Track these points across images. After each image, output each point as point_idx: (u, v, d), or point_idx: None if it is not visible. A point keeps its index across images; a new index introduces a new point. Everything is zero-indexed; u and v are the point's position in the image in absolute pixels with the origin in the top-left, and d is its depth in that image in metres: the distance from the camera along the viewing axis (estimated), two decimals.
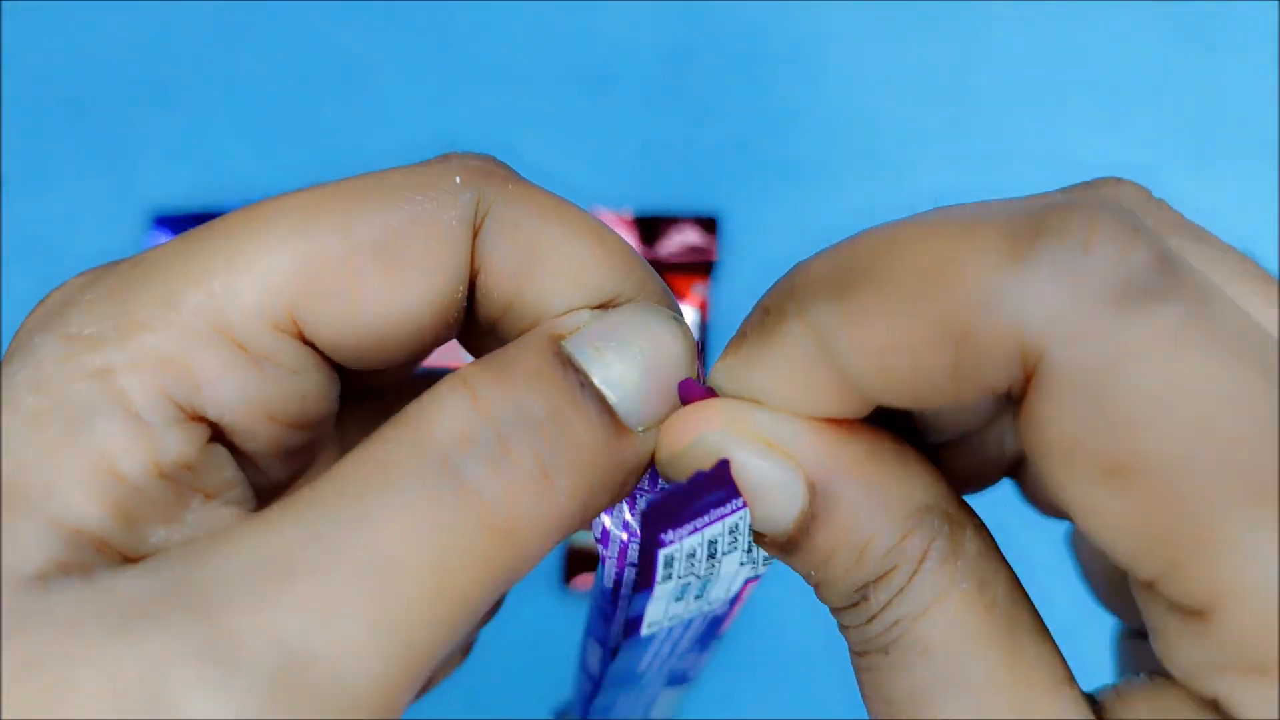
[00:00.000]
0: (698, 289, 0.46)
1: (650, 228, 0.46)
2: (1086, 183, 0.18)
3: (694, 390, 0.16)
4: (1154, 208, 0.18)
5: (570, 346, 0.15)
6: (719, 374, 0.16)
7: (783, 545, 0.16)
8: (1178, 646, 0.14)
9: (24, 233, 0.48)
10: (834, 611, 0.16)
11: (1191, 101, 0.49)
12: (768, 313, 0.16)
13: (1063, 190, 0.17)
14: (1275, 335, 0.14)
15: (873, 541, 0.15)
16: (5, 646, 0.12)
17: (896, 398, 0.15)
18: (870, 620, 0.15)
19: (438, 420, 0.14)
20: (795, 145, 0.48)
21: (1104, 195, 0.17)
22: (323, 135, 0.49)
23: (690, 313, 0.45)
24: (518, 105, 0.49)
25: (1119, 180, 0.18)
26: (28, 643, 0.13)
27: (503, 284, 0.16)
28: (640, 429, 0.15)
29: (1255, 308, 0.15)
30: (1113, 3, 0.50)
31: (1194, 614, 0.13)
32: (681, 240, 0.46)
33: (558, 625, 0.44)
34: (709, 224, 0.46)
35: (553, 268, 0.16)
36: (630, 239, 0.46)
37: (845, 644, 0.17)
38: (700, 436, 0.16)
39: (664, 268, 0.46)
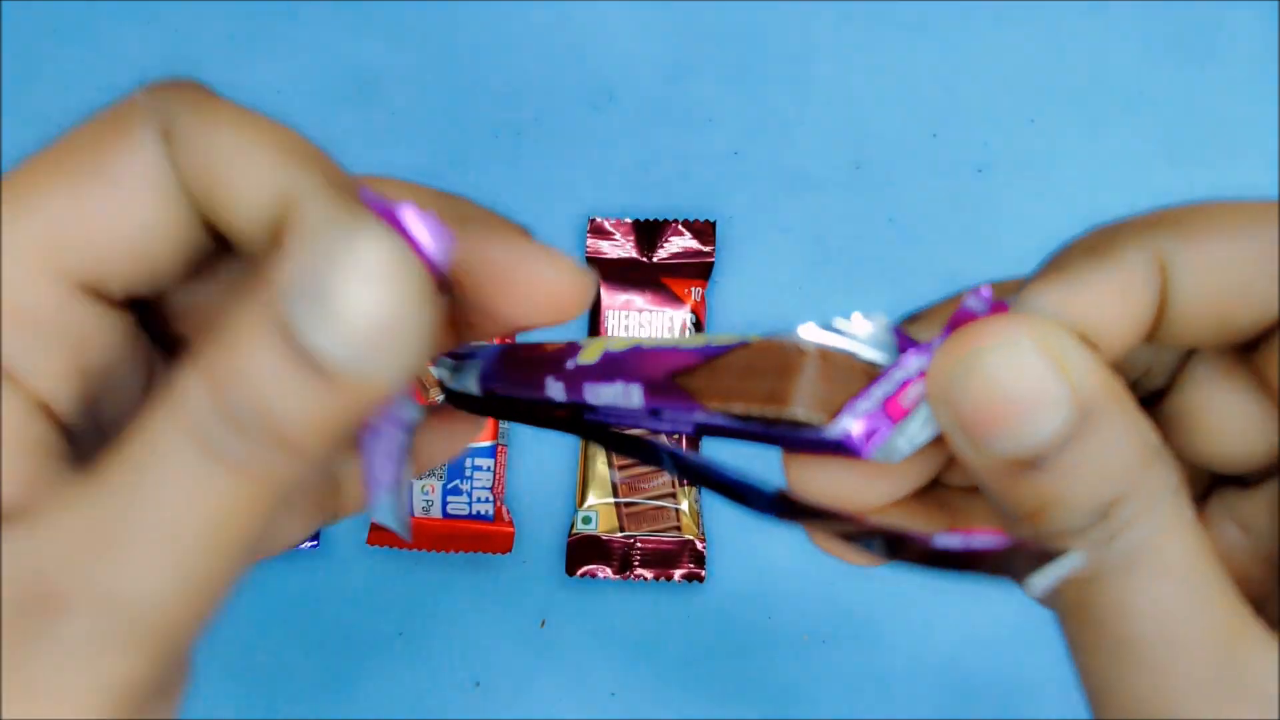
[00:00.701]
0: (695, 292, 0.47)
1: (649, 233, 0.47)
2: None
3: (989, 306, 0.17)
4: None
5: (287, 314, 0.15)
6: (1034, 296, 0.18)
7: (1029, 460, 0.17)
8: None
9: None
10: (1064, 537, 0.17)
11: (1178, 107, 0.49)
12: (1095, 249, 0.18)
13: None
14: None
15: (1123, 462, 0.17)
16: None
17: (1218, 321, 0.18)
18: (1113, 538, 0.16)
19: (187, 408, 0.15)
20: (790, 152, 0.49)
21: None
22: (332, 143, 0.49)
23: (688, 316, 0.46)
24: (523, 116, 0.49)
25: None
26: None
27: (201, 197, 0.17)
28: (359, 371, 0.16)
29: None
30: (1102, 9, 0.50)
31: None
32: (679, 245, 0.47)
33: (562, 613, 0.44)
34: (707, 229, 0.47)
35: (232, 177, 0.17)
36: (630, 244, 0.47)
37: None
38: (983, 349, 0.17)
39: (662, 271, 0.47)
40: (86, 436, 0.18)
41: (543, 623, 0.44)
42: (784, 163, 0.49)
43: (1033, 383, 0.17)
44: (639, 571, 0.44)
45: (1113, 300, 0.17)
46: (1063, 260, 0.18)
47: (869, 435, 0.17)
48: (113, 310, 0.17)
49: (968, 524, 0.21)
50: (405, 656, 0.44)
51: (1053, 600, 0.18)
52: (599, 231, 0.47)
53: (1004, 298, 0.18)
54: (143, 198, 0.16)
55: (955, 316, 0.17)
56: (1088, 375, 0.17)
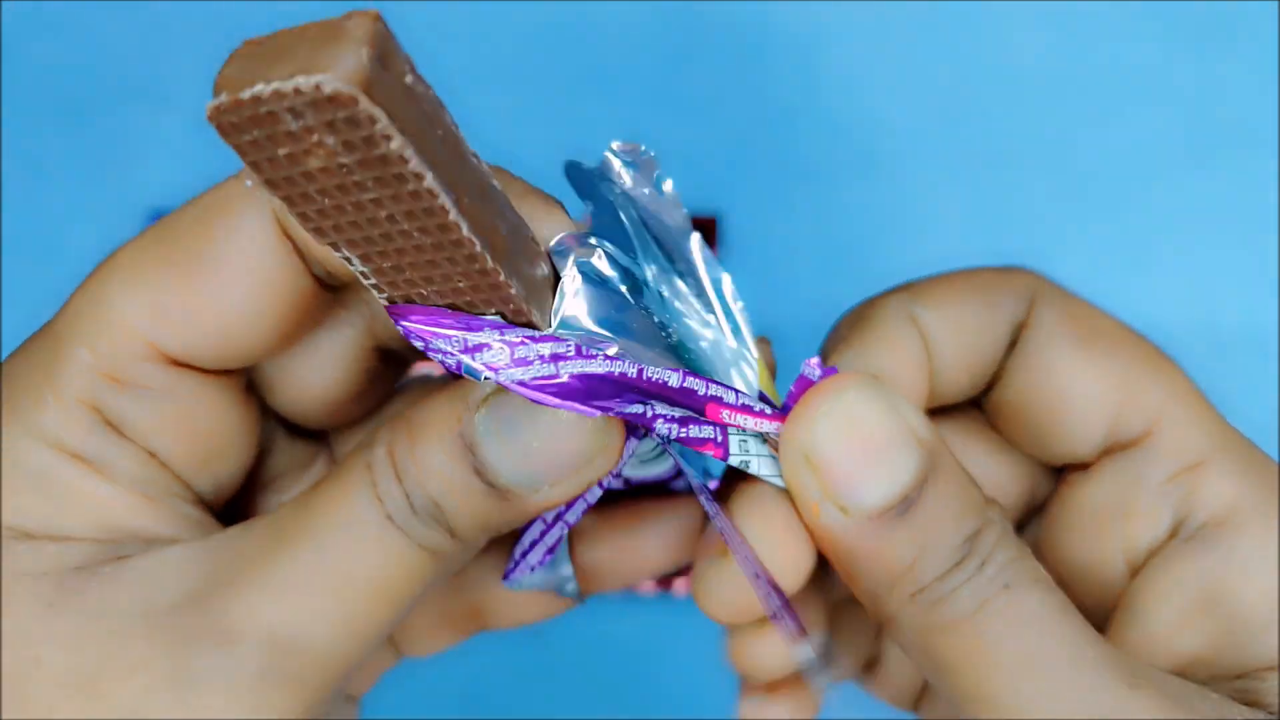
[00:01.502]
0: None
1: None
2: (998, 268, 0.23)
3: (823, 372, 0.19)
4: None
5: (476, 433, 0.18)
6: (846, 363, 0.20)
7: (899, 504, 0.18)
8: None
9: (24, 233, 0.49)
10: (918, 594, 0.18)
11: (1191, 100, 0.49)
12: (861, 318, 0.21)
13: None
14: None
15: (972, 496, 0.18)
16: (50, 630, 0.16)
17: (969, 376, 0.21)
18: (984, 565, 0.18)
19: (378, 482, 0.18)
20: (795, 145, 0.48)
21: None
22: None
23: None
24: (519, 105, 0.49)
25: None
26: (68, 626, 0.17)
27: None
28: (538, 494, 0.18)
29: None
30: (1112, 2, 0.50)
31: None
32: None
33: (559, 620, 0.44)
34: (709, 224, 0.46)
35: None
36: None
37: None
38: (840, 395, 0.18)
39: None
40: (205, 488, 0.20)
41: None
42: (789, 156, 0.48)
43: (882, 424, 0.18)
44: None
45: (901, 357, 0.20)
46: (844, 327, 0.21)
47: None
48: (214, 378, 0.19)
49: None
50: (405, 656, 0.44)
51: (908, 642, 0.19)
52: None
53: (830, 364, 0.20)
54: (242, 281, 0.18)
55: (797, 384, 0.19)
56: (920, 418, 0.18)
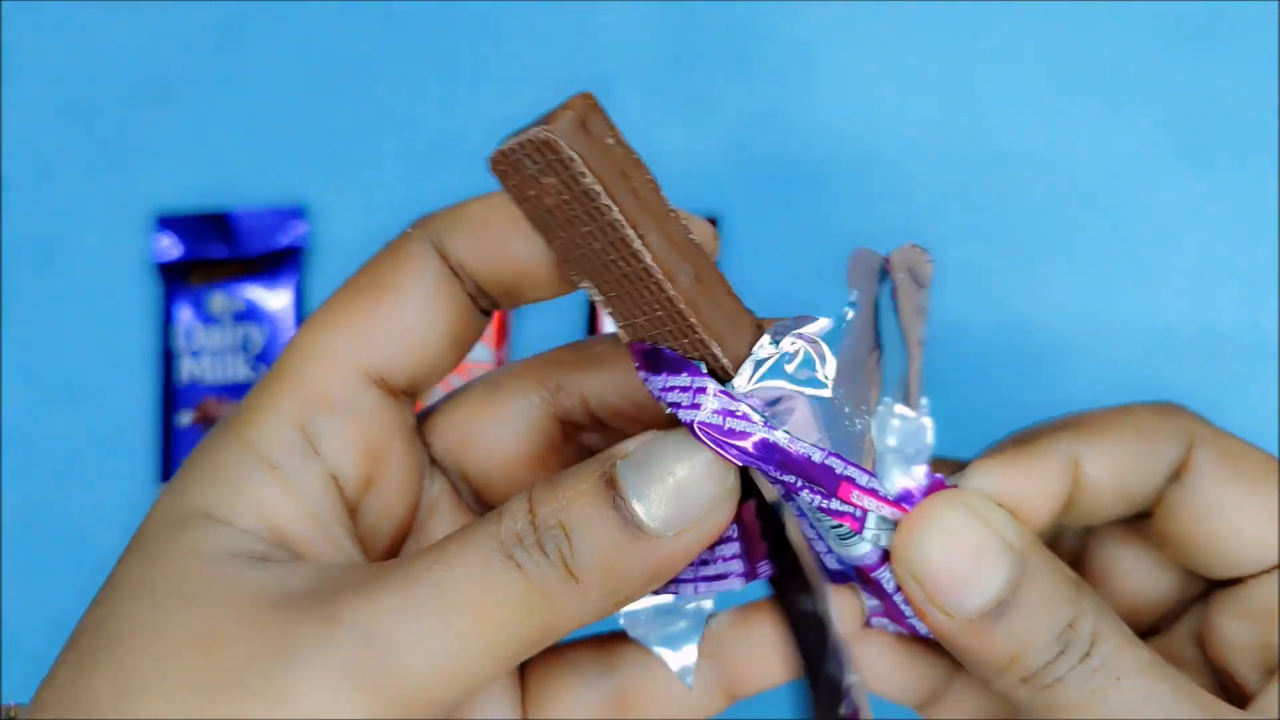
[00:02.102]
0: None
1: None
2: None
3: (940, 484, 0.21)
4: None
5: (618, 469, 0.19)
6: (976, 476, 0.22)
7: (995, 608, 0.21)
8: None
9: (27, 234, 0.49)
10: (1027, 680, 0.21)
11: (1190, 101, 0.49)
12: (1026, 441, 0.23)
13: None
14: None
15: (1065, 590, 0.21)
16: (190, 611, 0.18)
17: (1118, 503, 0.24)
18: (1084, 658, 0.20)
19: (504, 521, 0.19)
20: (794, 146, 0.48)
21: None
22: (325, 136, 0.49)
23: None
24: (519, 107, 0.49)
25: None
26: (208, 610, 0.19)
27: (483, 268, 0.22)
28: (668, 534, 0.19)
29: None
30: (1110, 3, 0.50)
31: None
32: None
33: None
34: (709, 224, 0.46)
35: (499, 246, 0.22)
36: None
37: None
38: (934, 514, 0.21)
39: None
40: (370, 521, 0.22)
41: None
42: (789, 157, 0.48)
43: (973, 537, 0.21)
44: None
45: (1035, 481, 0.22)
46: (1000, 447, 0.23)
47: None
48: (395, 398, 0.22)
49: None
50: None
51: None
52: None
53: (947, 476, 0.22)
54: (417, 301, 0.21)
55: (919, 488, 0.21)
56: (1012, 527, 0.21)
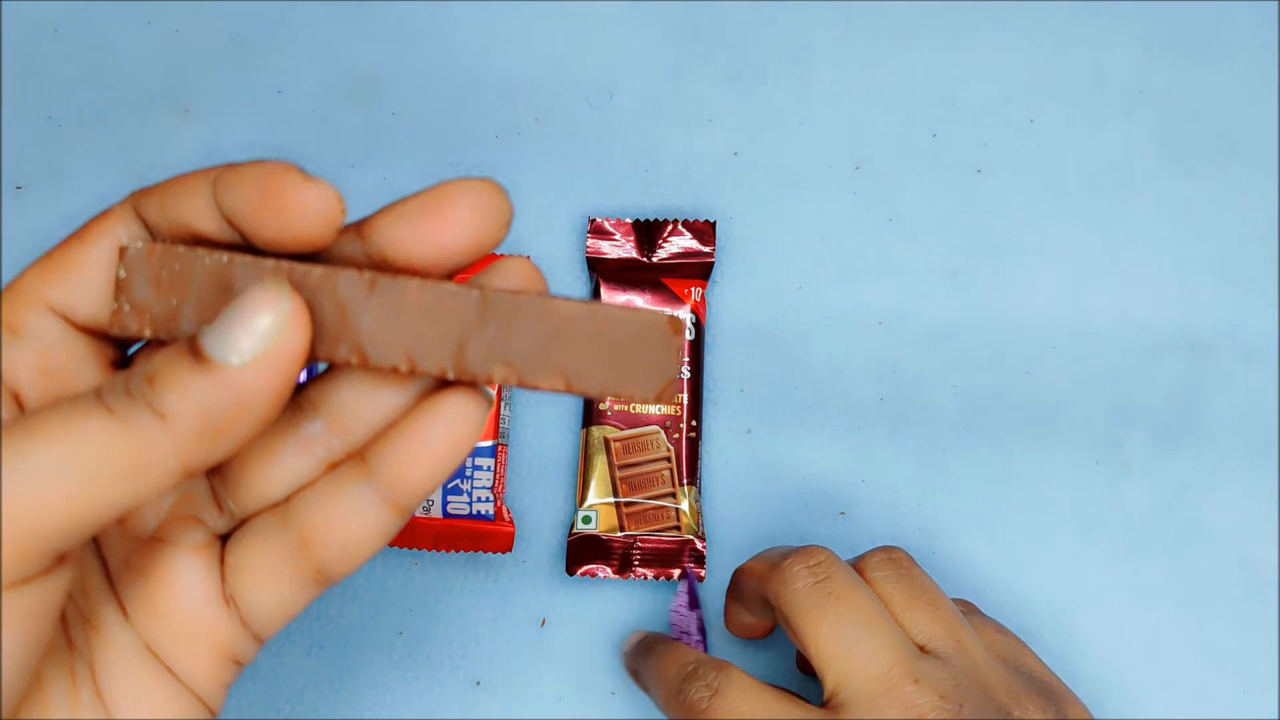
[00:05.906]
0: (695, 292, 0.47)
1: (649, 233, 0.47)
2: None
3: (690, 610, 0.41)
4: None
5: (201, 330, 0.21)
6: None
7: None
8: None
9: (43, 241, 0.49)
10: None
11: (1179, 107, 0.49)
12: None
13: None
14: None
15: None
16: None
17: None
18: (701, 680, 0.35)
19: (106, 382, 0.21)
20: (790, 152, 0.49)
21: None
22: (334, 144, 0.50)
23: (687, 316, 0.46)
24: (524, 115, 0.50)
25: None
26: None
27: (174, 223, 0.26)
28: (235, 361, 0.21)
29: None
30: (1103, 8, 0.50)
31: None
32: (679, 245, 0.47)
33: (562, 613, 0.45)
34: (706, 229, 0.47)
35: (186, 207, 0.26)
36: (630, 244, 0.47)
37: None
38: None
39: (662, 271, 0.47)
40: None
41: (543, 622, 0.44)
42: (784, 163, 0.49)
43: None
44: (639, 571, 0.44)
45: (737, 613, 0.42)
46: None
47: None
48: (80, 332, 0.25)
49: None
50: (405, 656, 0.44)
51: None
52: (599, 231, 0.47)
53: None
54: (101, 247, 0.25)
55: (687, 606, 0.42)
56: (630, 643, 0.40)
